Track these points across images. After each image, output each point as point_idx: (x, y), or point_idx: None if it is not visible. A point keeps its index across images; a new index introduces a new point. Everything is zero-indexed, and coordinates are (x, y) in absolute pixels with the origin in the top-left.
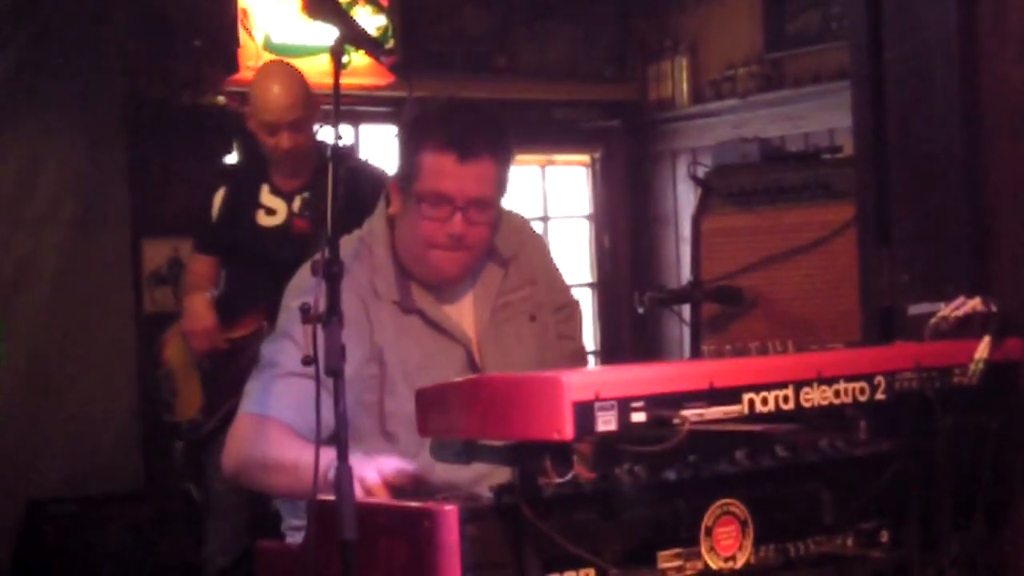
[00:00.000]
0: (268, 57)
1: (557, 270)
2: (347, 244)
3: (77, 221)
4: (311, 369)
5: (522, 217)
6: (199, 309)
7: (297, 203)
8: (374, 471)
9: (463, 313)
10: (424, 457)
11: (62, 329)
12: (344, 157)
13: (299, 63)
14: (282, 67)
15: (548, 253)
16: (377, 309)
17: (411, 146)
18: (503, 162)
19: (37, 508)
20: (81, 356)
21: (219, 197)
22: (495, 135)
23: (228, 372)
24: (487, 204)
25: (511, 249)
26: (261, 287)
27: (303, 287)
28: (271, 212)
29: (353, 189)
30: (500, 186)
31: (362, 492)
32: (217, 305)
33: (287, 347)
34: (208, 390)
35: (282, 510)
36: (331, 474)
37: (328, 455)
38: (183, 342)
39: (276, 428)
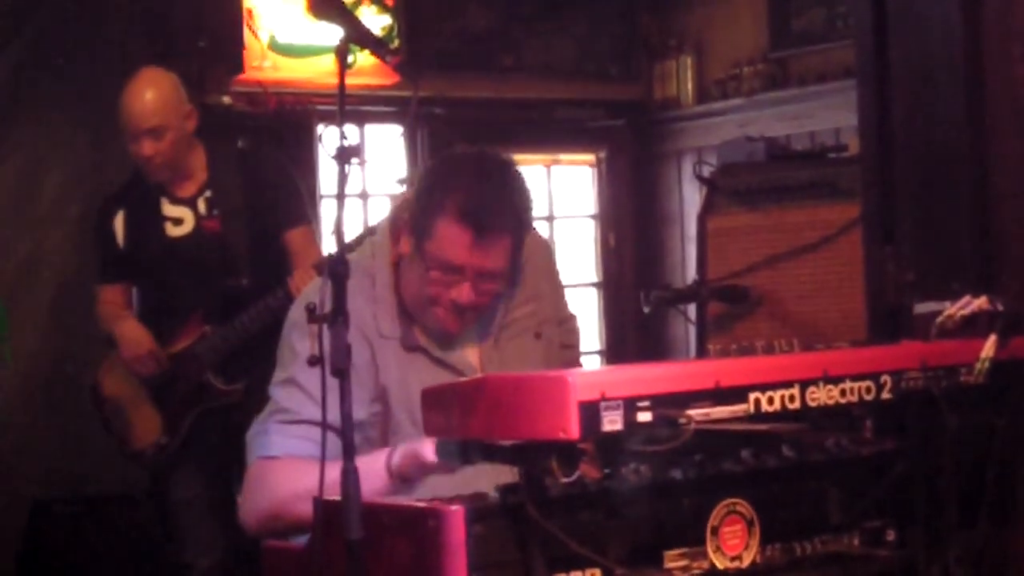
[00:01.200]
0: (274, 57)
1: (560, 281)
2: (352, 275)
3: (81, 222)
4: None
5: (533, 229)
6: (135, 335)
7: (202, 205)
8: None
9: (467, 343)
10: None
11: (66, 329)
12: (244, 152)
13: (304, 63)
14: (146, 74)
15: (553, 262)
16: (382, 349)
17: (430, 205)
18: (521, 235)
19: (40, 509)
20: (85, 356)
21: (119, 222)
22: (516, 212)
23: (183, 383)
24: (498, 276)
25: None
26: (191, 295)
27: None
28: (178, 222)
29: (254, 181)
30: (514, 257)
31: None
32: (146, 324)
33: (295, 395)
34: (166, 408)
35: None
36: (395, 460)
37: (378, 457)
38: (121, 371)
39: (295, 463)
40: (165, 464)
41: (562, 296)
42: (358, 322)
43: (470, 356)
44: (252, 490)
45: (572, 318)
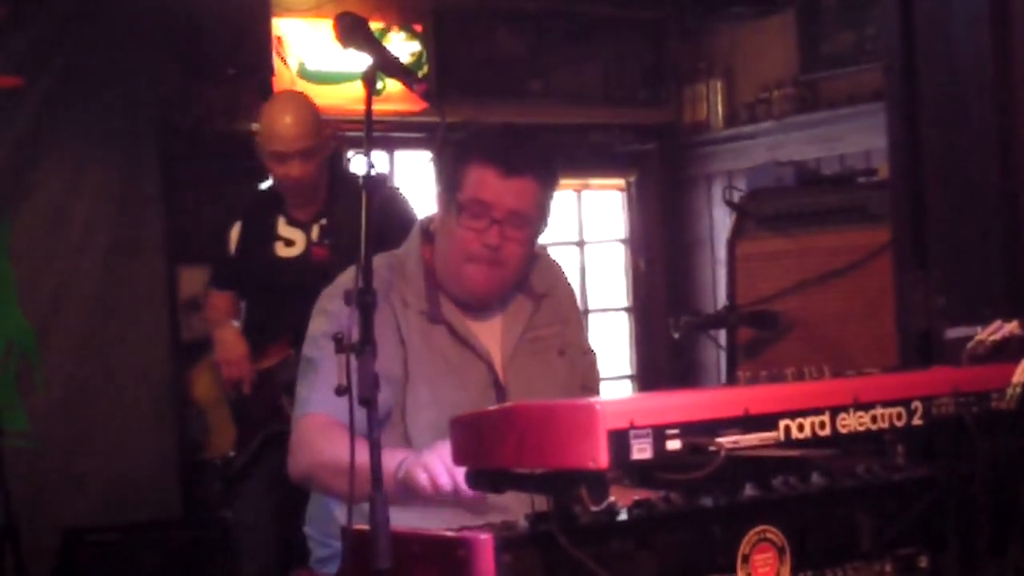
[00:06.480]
0: (303, 84)
1: (581, 320)
2: (383, 258)
3: (112, 249)
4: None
5: (557, 262)
6: (231, 339)
7: (315, 232)
8: (447, 475)
9: (490, 334)
10: None
11: (99, 357)
12: (378, 185)
13: (334, 90)
14: (292, 96)
15: (576, 300)
16: (404, 315)
17: (459, 159)
18: (546, 185)
19: (74, 536)
20: (118, 383)
21: (235, 232)
22: (540, 157)
23: (258, 403)
24: (525, 221)
25: (545, 286)
26: (285, 317)
27: (336, 294)
28: (289, 243)
29: (384, 218)
30: (541, 208)
31: (429, 482)
32: (244, 336)
33: (325, 345)
34: (240, 423)
35: (311, 542)
36: (400, 473)
37: (394, 459)
38: (210, 377)
39: (330, 429)
40: (232, 479)
41: (584, 332)
42: (381, 287)
43: (491, 344)
44: (294, 447)
45: (592, 353)
